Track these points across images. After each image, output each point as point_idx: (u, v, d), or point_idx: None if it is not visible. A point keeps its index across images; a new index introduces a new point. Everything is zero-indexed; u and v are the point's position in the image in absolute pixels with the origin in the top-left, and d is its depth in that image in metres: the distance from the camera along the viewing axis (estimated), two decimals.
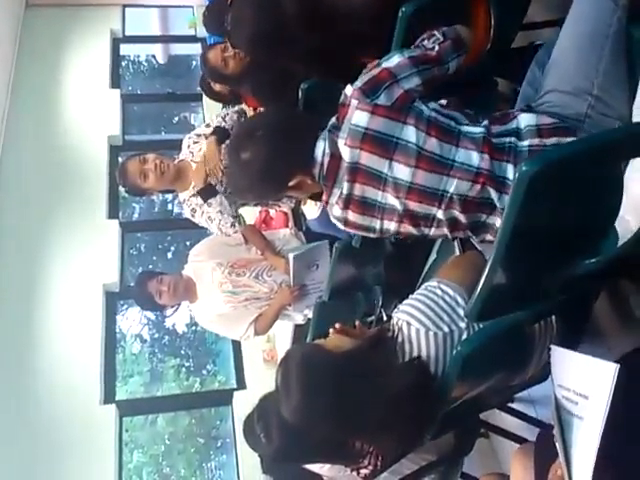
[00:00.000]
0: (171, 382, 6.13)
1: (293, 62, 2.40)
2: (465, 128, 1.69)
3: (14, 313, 4.67)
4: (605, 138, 1.38)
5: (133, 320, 6.27)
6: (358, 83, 1.73)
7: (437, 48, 1.77)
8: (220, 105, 5.24)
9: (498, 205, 1.67)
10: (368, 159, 1.71)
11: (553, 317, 1.89)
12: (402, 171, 1.69)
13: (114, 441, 4.37)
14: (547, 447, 1.48)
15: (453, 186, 1.68)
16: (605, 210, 1.52)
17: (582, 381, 1.39)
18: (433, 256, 2.42)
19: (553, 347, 1.56)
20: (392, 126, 1.68)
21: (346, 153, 1.73)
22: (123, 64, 6.94)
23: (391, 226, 1.82)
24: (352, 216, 1.82)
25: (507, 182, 1.63)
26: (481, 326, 1.73)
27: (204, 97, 5.38)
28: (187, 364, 6.37)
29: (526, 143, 1.64)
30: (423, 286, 1.90)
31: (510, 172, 1.63)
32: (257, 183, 1.90)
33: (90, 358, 4.64)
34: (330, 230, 3.10)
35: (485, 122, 1.70)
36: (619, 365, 1.27)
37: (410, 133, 1.67)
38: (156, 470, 5.68)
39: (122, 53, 6.67)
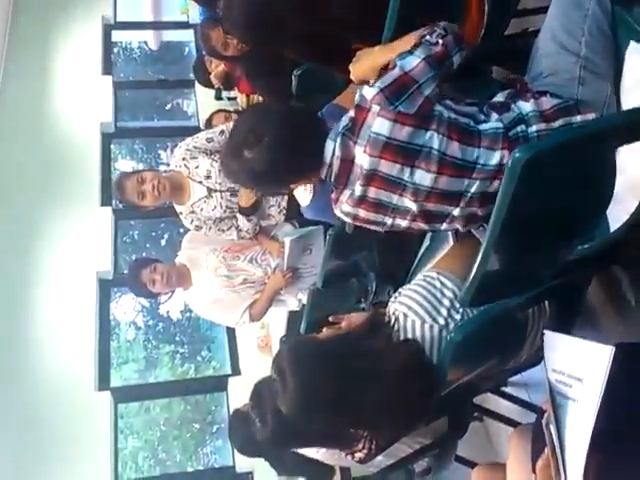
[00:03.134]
0: (166, 369, 6.15)
1: (286, 48, 2.39)
2: (483, 126, 1.67)
3: (7, 302, 4.66)
4: (596, 127, 1.40)
5: (127, 307, 6.28)
6: (380, 85, 1.66)
7: (441, 42, 1.70)
8: (212, 92, 5.26)
9: None
10: (388, 167, 1.68)
11: (546, 302, 1.91)
12: (424, 177, 1.67)
13: (109, 427, 4.39)
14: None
15: (475, 187, 1.68)
16: (598, 196, 1.53)
17: (576, 364, 1.41)
18: (426, 242, 2.43)
19: (546, 332, 1.57)
20: (415, 134, 1.64)
21: (365, 161, 1.69)
22: (115, 51, 6.89)
23: (403, 223, 1.81)
24: (363, 213, 1.81)
25: None
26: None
27: (196, 84, 5.36)
28: (182, 351, 6.40)
29: (534, 128, 1.64)
30: (421, 276, 1.91)
31: None
32: (259, 183, 1.89)
33: (84, 345, 4.64)
34: (322, 217, 3.11)
35: (495, 115, 1.68)
36: (615, 347, 1.28)
37: (433, 139, 1.64)
38: (152, 455, 5.71)
39: (114, 40, 6.62)
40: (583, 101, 1.65)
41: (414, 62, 1.66)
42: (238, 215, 3.30)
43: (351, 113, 1.71)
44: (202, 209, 3.30)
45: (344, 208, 1.82)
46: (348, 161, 1.72)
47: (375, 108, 1.65)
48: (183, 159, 3.30)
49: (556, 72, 1.69)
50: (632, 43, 1.56)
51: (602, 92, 1.64)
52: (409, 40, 1.78)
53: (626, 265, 2.03)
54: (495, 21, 2.07)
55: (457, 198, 1.71)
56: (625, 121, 1.39)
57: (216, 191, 3.26)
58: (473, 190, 1.68)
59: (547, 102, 1.66)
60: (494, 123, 1.67)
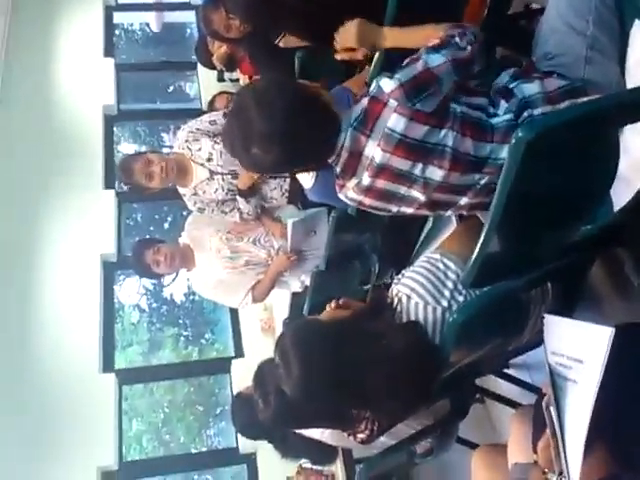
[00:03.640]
0: (170, 351, 6.17)
1: (288, 28, 2.38)
2: (495, 120, 1.64)
3: (12, 285, 4.67)
4: (600, 106, 1.38)
5: (131, 290, 6.29)
6: (400, 79, 1.60)
7: (469, 49, 1.64)
8: (215, 73, 5.24)
9: None
10: (400, 162, 1.66)
11: (548, 283, 1.91)
12: (435, 173, 1.66)
13: (114, 409, 4.42)
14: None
15: (485, 179, 1.67)
16: (601, 177, 1.52)
17: (576, 346, 1.41)
18: (429, 224, 2.43)
19: (546, 315, 1.57)
20: (430, 133, 1.61)
21: (377, 154, 1.66)
22: (116, 33, 6.84)
23: (408, 210, 1.81)
24: (368, 201, 1.80)
25: None
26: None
27: (199, 66, 5.34)
28: (185, 333, 6.41)
29: (540, 111, 1.62)
30: (425, 257, 1.90)
31: None
32: (262, 172, 1.84)
33: (89, 328, 4.65)
34: (326, 199, 3.10)
35: (503, 104, 1.65)
36: (614, 329, 1.28)
37: (447, 137, 1.62)
38: (156, 437, 5.74)
39: (115, 21, 6.57)
40: (591, 82, 1.63)
41: (440, 60, 1.61)
42: (238, 197, 3.30)
43: (364, 103, 1.65)
44: (204, 191, 3.31)
45: (349, 194, 1.81)
46: (357, 153, 1.68)
47: (392, 103, 1.60)
48: (186, 141, 3.30)
49: (562, 52, 1.67)
50: (637, 22, 1.54)
51: (610, 72, 1.62)
52: (426, 32, 1.73)
53: (629, 246, 2.02)
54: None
55: (466, 190, 1.70)
56: (629, 100, 1.38)
57: (218, 173, 3.26)
58: (483, 182, 1.68)
59: (553, 83, 1.64)
60: (506, 115, 1.64)
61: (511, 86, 1.69)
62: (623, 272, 2.14)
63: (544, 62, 1.71)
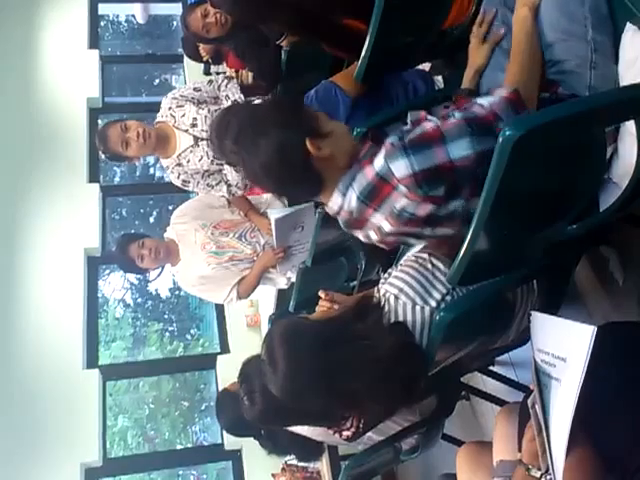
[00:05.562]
0: (154, 347, 6.14)
1: (275, 23, 2.36)
2: None
3: None
4: (589, 104, 1.37)
5: (116, 285, 6.25)
6: (414, 167, 1.48)
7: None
8: (201, 66, 5.20)
9: None
10: (409, 229, 1.62)
11: (534, 282, 1.91)
12: (446, 231, 1.62)
13: (98, 405, 4.40)
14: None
15: None
16: (588, 176, 1.52)
17: (561, 344, 1.41)
18: None
19: (533, 313, 1.57)
20: (441, 208, 1.55)
21: (385, 225, 1.61)
22: (102, 24, 6.78)
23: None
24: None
25: None
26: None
27: (185, 58, 5.30)
28: (170, 329, 6.39)
29: None
30: (413, 256, 1.89)
31: None
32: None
33: (72, 323, 4.63)
34: None
35: None
36: (596, 327, 1.28)
37: (457, 205, 1.54)
38: (141, 433, 5.72)
39: (100, 13, 6.52)
40: (596, 89, 1.59)
41: (465, 151, 1.47)
42: (226, 167, 3.20)
43: (369, 176, 1.57)
44: (189, 160, 3.20)
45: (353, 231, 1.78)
46: (363, 219, 1.64)
47: (402, 189, 1.52)
48: (169, 108, 3.22)
49: (564, 58, 1.61)
50: (628, 24, 1.53)
51: (612, 73, 1.60)
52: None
53: (614, 246, 2.03)
54: None
55: None
56: (616, 99, 1.37)
57: (202, 139, 3.16)
58: None
59: None
60: None
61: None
62: (608, 271, 2.15)
63: (546, 70, 1.67)
